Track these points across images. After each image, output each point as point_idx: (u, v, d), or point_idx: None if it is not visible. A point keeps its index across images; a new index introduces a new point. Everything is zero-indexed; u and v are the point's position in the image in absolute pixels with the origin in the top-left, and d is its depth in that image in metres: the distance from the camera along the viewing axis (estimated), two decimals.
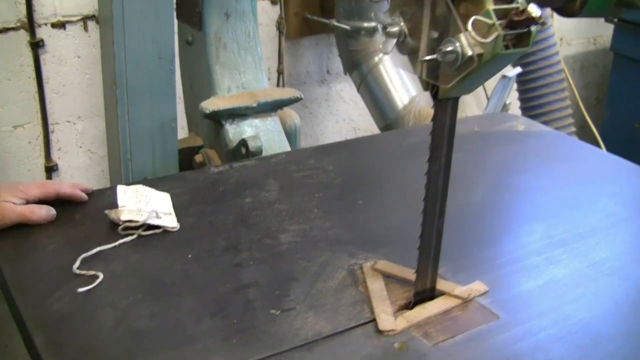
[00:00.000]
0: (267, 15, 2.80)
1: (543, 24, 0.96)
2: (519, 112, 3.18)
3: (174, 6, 1.84)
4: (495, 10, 0.90)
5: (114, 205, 1.35)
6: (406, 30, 1.00)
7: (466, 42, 0.91)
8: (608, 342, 1.10)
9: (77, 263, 1.19)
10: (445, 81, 0.97)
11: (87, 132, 2.61)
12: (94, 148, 2.65)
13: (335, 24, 2.66)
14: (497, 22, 0.89)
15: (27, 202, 1.32)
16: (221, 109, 1.90)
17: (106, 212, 1.33)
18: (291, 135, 2.11)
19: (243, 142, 1.85)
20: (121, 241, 1.27)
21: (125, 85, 1.78)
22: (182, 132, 2.19)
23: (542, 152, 1.76)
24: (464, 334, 1.09)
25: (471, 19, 0.90)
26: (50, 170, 2.58)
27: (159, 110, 1.85)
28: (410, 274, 1.17)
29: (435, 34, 0.97)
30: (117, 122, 1.82)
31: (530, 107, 3.08)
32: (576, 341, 1.09)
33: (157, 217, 1.32)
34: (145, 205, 1.36)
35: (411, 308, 1.13)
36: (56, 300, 1.11)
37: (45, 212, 1.31)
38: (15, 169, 2.52)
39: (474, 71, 0.92)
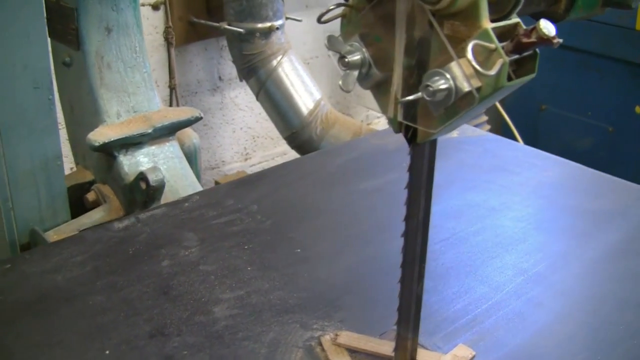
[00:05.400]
0: (150, 22, 2.51)
1: (558, 44, 0.74)
2: None
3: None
4: (494, 30, 0.69)
5: None
6: (370, 59, 0.78)
7: (461, 74, 0.69)
8: None
9: None
10: (428, 123, 0.75)
11: None
12: None
13: (227, 27, 2.41)
14: (500, 46, 0.68)
15: None
16: (112, 139, 1.65)
17: None
18: (191, 156, 1.89)
19: (142, 176, 1.61)
20: None
21: None
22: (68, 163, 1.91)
23: (482, 162, 1.58)
24: None
25: (470, 43, 0.67)
26: None
27: (39, 148, 1.58)
28: (381, 346, 0.96)
29: (410, 62, 0.75)
30: None
31: None
32: None
33: None
34: None
35: None
36: None
37: None
38: None
39: (470, 109, 0.71)
